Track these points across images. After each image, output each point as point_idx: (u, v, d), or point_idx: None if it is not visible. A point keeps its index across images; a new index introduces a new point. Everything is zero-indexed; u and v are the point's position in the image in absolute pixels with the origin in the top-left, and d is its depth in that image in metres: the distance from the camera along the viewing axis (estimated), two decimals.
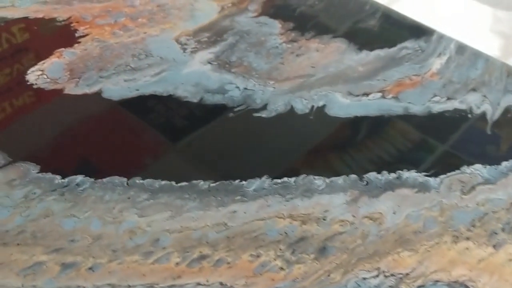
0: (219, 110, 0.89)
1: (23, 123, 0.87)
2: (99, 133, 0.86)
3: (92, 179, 0.77)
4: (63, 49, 0.99)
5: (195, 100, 0.90)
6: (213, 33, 1.04)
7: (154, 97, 0.91)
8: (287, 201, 0.75)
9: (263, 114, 0.89)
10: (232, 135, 0.87)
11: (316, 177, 0.78)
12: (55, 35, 1.03)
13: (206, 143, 0.86)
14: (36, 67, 0.95)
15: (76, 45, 1.00)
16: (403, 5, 1.13)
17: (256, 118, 0.88)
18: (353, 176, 0.79)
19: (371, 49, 1.01)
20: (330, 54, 1.00)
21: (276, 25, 1.07)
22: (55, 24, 1.05)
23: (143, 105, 0.90)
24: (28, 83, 0.92)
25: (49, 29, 1.04)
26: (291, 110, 0.90)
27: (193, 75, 0.95)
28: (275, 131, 0.87)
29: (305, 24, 1.07)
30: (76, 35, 1.02)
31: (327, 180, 0.78)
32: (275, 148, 0.84)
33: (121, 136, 0.86)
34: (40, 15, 1.06)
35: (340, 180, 0.78)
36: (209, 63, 0.98)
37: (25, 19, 1.06)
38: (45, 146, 0.83)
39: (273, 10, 1.11)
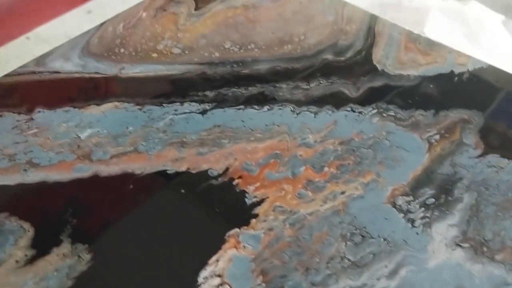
0: None
1: None
2: None
3: None
4: (237, 230, 0.66)
5: None
6: (437, 189, 0.73)
7: None
8: None
9: None
10: None
11: None
12: (218, 203, 0.70)
13: None
14: (209, 269, 0.62)
15: (253, 221, 0.68)
16: None
17: None
18: None
19: None
20: None
21: None
22: (210, 183, 0.73)
23: None
24: None
25: (204, 193, 0.72)
26: None
27: (447, 273, 0.63)
28: None
29: None
30: (247, 201, 0.70)
31: None
32: None
33: None
34: (183, 167, 0.74)
35: None
36: (458, 245, 0.66)
37: (162, 174, 0.74)
38: None
39: (498, 144, 0.80)
